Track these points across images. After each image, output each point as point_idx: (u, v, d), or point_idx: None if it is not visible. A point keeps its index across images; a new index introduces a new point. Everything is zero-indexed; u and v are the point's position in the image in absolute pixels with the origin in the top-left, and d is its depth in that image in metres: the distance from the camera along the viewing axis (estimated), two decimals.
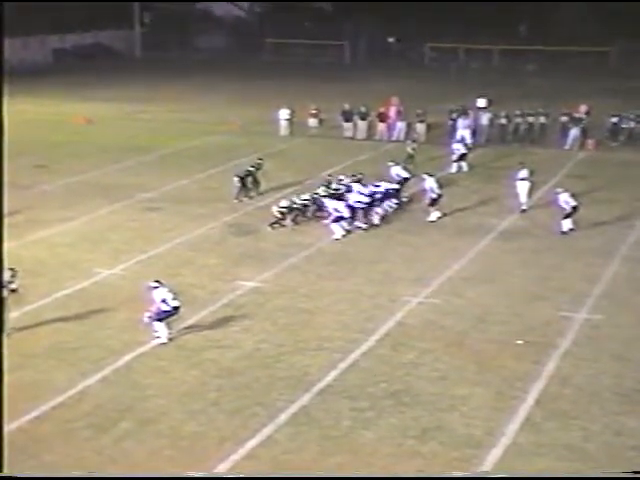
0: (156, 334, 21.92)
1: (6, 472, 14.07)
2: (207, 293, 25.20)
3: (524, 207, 33.05)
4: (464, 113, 46.19)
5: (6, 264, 22.03)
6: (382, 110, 47.40)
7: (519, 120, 45.90)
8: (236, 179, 34.26)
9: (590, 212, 33.07)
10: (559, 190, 30.91)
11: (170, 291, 21.97)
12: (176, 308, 21.97)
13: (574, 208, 30.38)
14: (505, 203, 33.87)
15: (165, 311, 21.85)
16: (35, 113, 54.94)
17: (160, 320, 21.90)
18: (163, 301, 21.80)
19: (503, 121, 45.95)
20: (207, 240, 27.85)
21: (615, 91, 58.91)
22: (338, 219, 30.07)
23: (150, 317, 21.98)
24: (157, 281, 22.22)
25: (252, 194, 34.68)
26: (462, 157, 39.75)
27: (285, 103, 48.84)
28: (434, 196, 32.04)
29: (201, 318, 23.44)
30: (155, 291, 22.00)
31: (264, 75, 72.48)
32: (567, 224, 30.43)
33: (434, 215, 32.00)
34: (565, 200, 30.44)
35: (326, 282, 26.17)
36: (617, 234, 30.60)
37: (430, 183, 32.21)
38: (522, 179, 33.30)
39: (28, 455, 16.92)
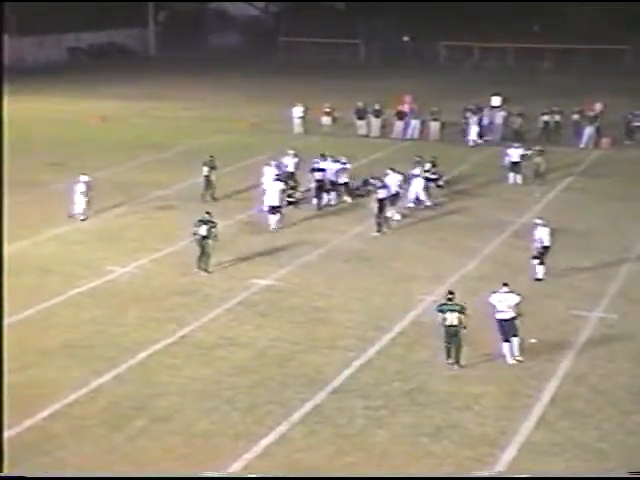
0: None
1: (7, 472, 14.05)
2: (221, 291, 25.20)
3: (428, 203, 33.02)
4: (479, 110, 46.29)
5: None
6: (400, 108, 47.31)
7: (518, 119, 45.70)
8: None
9: (605, 210, 33.07)
10: (539, 222, 26.51)
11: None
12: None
13: (545, 249, 26.05)
14: (519, 201, 33.77)
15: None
16: (50, 111, 55.07)
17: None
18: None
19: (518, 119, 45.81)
20: (221, 238, 27.79)
21: (631, 89, 58.63)
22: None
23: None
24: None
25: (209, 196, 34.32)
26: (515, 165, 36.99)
27: (299, 101, 48.80)
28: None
29: (215, 316, 23.45)
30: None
31: (278, 73, 72.49)
32: (541, 270, 26.07)
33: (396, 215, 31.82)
34: (540, 237, 26.04)
35: (340, 280, 26.14)
36: (632, 232, 30.46)
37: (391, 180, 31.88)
38: (415, 175, 33.31)
39: (42, 452, 16.93)
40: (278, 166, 33.70)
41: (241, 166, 39.04)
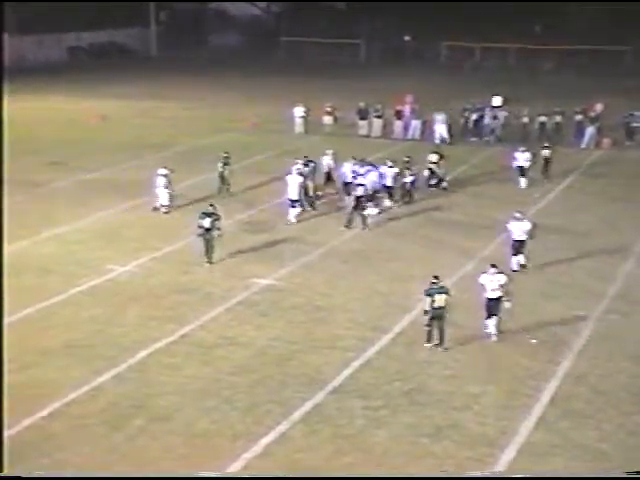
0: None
1: (7, 472, 14.07)
2: (221, 290, 25.19)
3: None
4: (478, 110, 46.50)
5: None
6: (399, 108, 47.35)
7: (525, 120, 45.74)
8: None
9: (606, 210, 33.08)
10: (518, 215, 26.64)
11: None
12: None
13: (519, 243, 26.40)
14: (519, 202, 33.74)
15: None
16: (50, 110, 55.08)
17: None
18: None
19: (525, 120, 45.76)
20: (222, 236, 27.81)
21: (631, 90, 58.68)
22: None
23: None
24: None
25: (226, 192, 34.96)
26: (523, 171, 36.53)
27: (300, 101, 48.81)
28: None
29: (215, 315, 23.44)
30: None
31: (279, 73, 72.52)
32: (521, 260, 26.63)
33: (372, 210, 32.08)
34: (513, 230, 26.47)
35: (340, 280, 26.14)
36: (632, 233, 30.47)
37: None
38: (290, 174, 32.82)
39: (41, 453, 16.92)
40: (306, 164, 33.67)
41: (242, 165, 38.97)
